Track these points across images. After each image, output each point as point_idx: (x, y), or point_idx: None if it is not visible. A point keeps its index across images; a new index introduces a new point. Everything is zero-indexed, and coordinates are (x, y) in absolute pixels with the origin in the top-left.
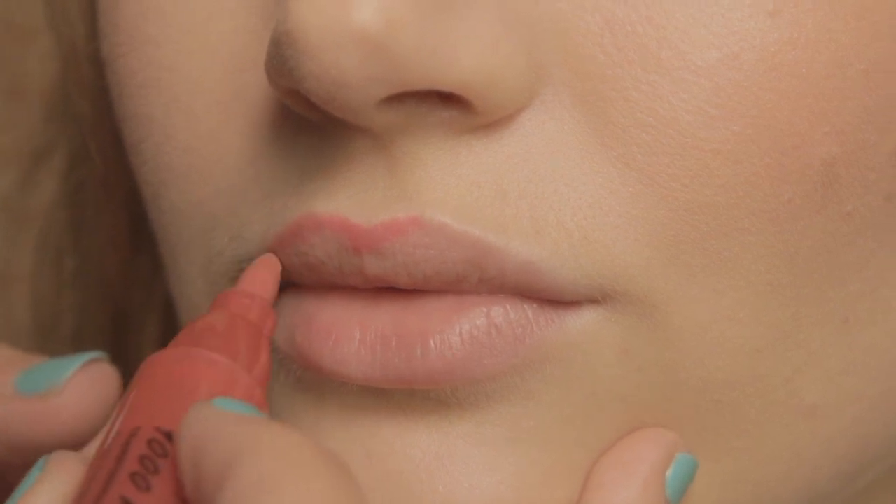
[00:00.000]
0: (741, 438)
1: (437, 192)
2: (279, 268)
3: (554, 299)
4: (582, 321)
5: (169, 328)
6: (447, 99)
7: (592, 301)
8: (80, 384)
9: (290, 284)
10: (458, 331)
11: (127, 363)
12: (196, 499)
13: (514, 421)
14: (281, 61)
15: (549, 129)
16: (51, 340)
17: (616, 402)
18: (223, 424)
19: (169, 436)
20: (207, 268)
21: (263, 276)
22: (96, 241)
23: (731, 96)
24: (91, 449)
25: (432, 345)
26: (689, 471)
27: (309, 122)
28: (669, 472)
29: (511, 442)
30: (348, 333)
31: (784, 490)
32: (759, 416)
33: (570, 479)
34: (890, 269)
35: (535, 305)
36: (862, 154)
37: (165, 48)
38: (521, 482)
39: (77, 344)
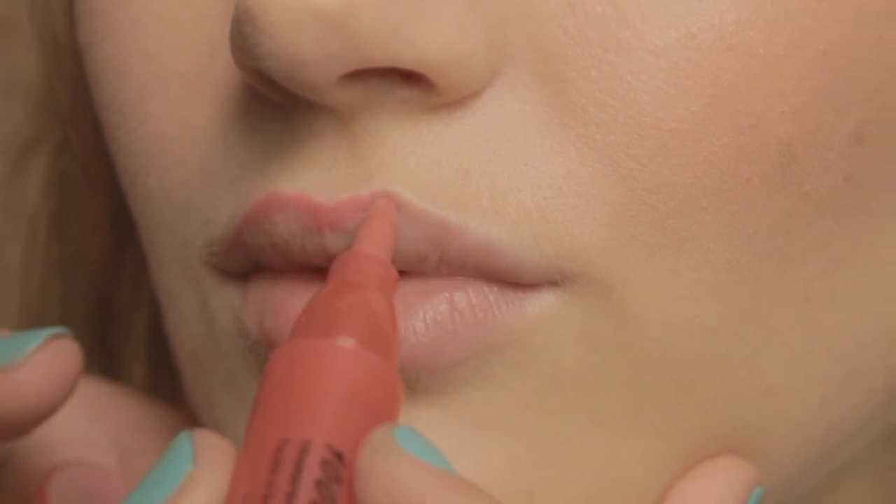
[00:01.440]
0: (700, 418)
1: (399, 171)
2: (394, 218)
3: (513, 281)
4: (541, 304)
5: (157, 319)
6: (408, 77)
7: (551, 283)
8: (41, 359)
9: (259, 269)
10: (421, 317)
11: (114, 355)
12: None
13: (477, 407)
14: (242, 39)
15: (510, 108)
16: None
17: (576, 385)
18: (417, 481)
19: (340, 457)
20: (182, 253)
21: (381, 231)
22: (81, 231)
23: (688, 76)
24: (53, 428)
25: (404, 332)
26: None
27: (274, 104)
28: None
29: (475, 428)
30: None
31: None
32: (717, 396)
33: (534, 465)
34: (849, 249)
35: (495, 289)
36: (820, 134)
37: (139, 34)
38: (484, 468)
39: None
